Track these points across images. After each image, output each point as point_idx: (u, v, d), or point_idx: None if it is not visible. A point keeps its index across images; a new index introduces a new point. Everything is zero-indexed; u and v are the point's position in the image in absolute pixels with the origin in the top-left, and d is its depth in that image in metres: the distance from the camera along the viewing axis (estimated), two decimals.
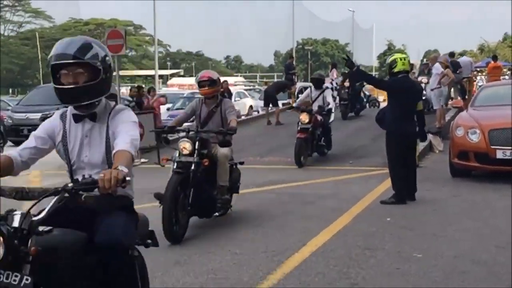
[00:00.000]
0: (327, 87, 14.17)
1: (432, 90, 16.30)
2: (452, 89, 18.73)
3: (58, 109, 16.81)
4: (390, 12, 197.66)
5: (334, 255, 5.91)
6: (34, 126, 17.72)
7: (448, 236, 6.48)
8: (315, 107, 12.54)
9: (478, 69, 25.82)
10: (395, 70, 8.39)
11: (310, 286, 5.06)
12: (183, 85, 58.18)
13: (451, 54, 22.30)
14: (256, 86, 48.15)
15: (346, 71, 22.96)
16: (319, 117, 12.26)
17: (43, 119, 17.12)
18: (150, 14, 43.54)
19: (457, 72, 18.53)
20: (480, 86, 17.01)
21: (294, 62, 25.17)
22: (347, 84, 19.86)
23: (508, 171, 9.48)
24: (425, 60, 27.70)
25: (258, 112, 27.38)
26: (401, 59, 8.43)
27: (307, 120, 11.84)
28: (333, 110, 13.28)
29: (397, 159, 8.35)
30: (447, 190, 9.18)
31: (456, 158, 9.98)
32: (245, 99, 29.76)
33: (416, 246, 6.11)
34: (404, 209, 7.89)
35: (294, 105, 14.51)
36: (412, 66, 18.99)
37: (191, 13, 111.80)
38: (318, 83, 13.32)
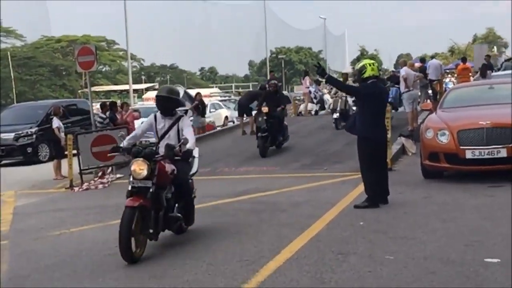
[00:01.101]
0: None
1: (402, 93, 16.54)
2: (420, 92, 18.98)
3: (31, 127, 17.15)
4: (361, 18, 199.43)
5: (308, 261, 5.98)
6: (7, 146, 17.67)
7: (417, 238, 6.59)
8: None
9: (448, 71, 26.20)
10: (365, 75, 8.53)
11: None
12: None
13: (422, 60, 22.67)
14: (232, 97, 48.23)
15: (319, 78, 23.20)
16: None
17: (16, 138, 17.17)
18: (122, 29, 43.54)
19: (425, 76, 18.87)
20: (448, 88, 17.29)
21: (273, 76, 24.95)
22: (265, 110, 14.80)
23: (477, 170, 9.67)
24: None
25: (234, 122, 27.47)
26: (370, 65, 8.58)
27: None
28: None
29: (368, 164, 8.47)
30: (418, 192, 9.32)
31: (427, 160, 10.13)
32: (220, 110, 29.85)
33: (387, 249, 6.21)
34: (377, 213, 8.00)
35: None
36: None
37: (164, 27, 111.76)
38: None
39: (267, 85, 15.89)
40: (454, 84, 23.73)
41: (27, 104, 27.89)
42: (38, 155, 19.80)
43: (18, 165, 19.28)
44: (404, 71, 16.22)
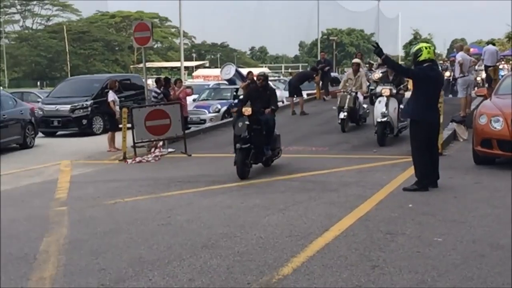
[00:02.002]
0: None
1: (457, 78, 16.31)
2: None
3: (86, 100, 17.65)
4: (416, 1, 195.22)
5: (356, 239, 6.09)
6: (63, 118, 18.36)
7: (467, 222, 6.62)
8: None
9: (504, 58, 25.57)
10: (420, 59, 8.50)
11: (332, 268, 5.26)
12: (209, 76, 58.51)
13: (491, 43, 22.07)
14: (281, 77, 48.23)
15: (371, 61, 23.02)
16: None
17: (72, 110, 17.75)
18: (176, 6, 43.91)
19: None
20: (502, 75, 16.93)
21: (324, 57, 25.08)
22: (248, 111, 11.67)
23: None
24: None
25: (283, 102, 27.50)
26: (426, 48, 8.54)
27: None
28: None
29: (420, 146, 8.48)
30: (469, 177, 9.28)
31: (479, 146, 10.05)
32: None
33: (436, 231, 6.27)
34: (426, 196, 8.03)
35: None
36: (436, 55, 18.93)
37: (216, 5, 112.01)
38: None
39: (255, 78, 12.07)
40: (508, 71, 23.20)
41: (83, 77, 28.58)
42: (92, 127, 20.43)
43: (73, 136, 19.90)
44: (460, 56, 15.99)
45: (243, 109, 10.39)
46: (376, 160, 11.20)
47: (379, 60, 18.41)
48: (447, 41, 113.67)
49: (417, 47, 8.67)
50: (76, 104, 20.42)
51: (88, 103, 20.51)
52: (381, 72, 16.75)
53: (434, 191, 8.34)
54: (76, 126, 20.39)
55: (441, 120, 11.67)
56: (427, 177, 8.42)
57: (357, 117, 15.71)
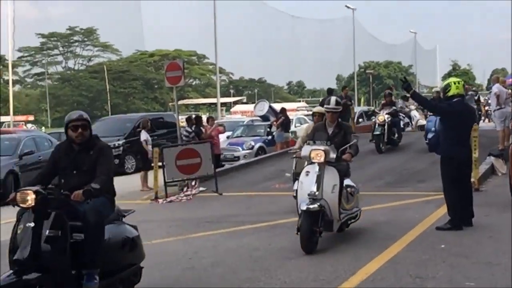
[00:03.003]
0: None
1: (494, 111, 15.96)
2: None
3: (119, 139, 17.69)
4: (453, 32, 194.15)
5: (384, 284, 5.87)
6: None
7: (502, 264, 6.32)
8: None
9: None
10: (449, 94, 8.33)
11: None
12: (246, 112, 58.76)
13: None
14: None
15: (406, 94, 22.73)
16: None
17: None
18: (212, 43, 44.46)
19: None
20: None
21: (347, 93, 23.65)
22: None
23: None
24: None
25: None
26: (455, 83, 8.37)
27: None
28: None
29: (452, 184, 8.23)
30: (506, 215, 8.92)
31: None
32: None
33: (469, 275, 6.00)
34: (459, 236, 7.74)
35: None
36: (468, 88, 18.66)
37: (253, 41, 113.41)
38: None
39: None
40: None
41: (116, 117, 28.96)
42: (124, 167, 20.51)
43: (117, 175, 19.99)
44: (496, 87, 15.66)
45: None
46: (409, 197, 10.91)
47: (384, 99, 18.77)
48: (486, 71, 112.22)
49: (446, 82, 8.56)
50: (108, 144, 20.56)
51: (120, 142, 20.67)
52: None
53: (469, 230, 8.05)
54: None
55: (477, 155, 11.44)
56: (460, 216, 8.13)
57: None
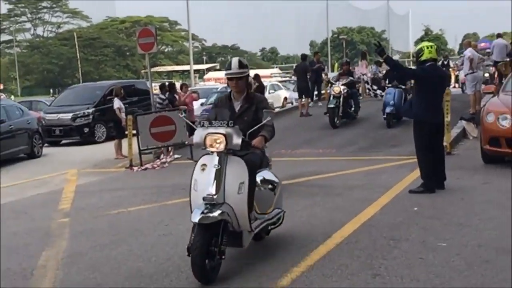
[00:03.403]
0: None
1: (465, 75, 16.11)
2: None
3: (88, 108, 17.48)
4: None
5: (359, 246, 5.96)
6: (65, 126, 18.28)
7: (473, 225, 6.46)
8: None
9: None
10: (422, 58, 8.36)
11: (332, 278, 5.13)
12: (220, 78, 58.44)
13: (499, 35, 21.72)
14: (292, 77, 48.06)
15: (380, 59, 22.77)
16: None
17: (73, 119, 17.68)
18: (185, 9, 43.90)
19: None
20: None
21: (319, 59, 23.45)
22: None
23: None
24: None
25: (292, 103, 27.42)
26: (427, 47, 8.39)
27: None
28: None
29: (424, 148, 8.33)
30: (477, 177, 9.10)
31: (488, 144, 9.87)
32: (279, 91, 29.79)
33: (441, 236, 6.12)
34: (432, 198, 7.87)
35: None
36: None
37: (226, 7, 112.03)
38: None
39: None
40: None
41: (85, 85, 28.53)
42: (94, 136, 20.29)
43: (80, 145, 19.85)
44: (469, 51, 15.78)
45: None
46: (382, 162, 11.04)
47: (338, 70, 18.55)
48: (458, 36, 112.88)
49: (419, 46, 8.56)
50: (77, 112, 20.35)
51: (90, 111, 20.37)
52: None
53: (441, 192, 8.18)
54: (77, 134, 20.22)
55: (449, 119, 11.59)
56: (433, 179, 8.26)
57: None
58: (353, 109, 16.80)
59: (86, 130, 20.24)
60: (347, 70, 17.59)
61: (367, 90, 23.67)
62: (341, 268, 5.35)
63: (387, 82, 16.60)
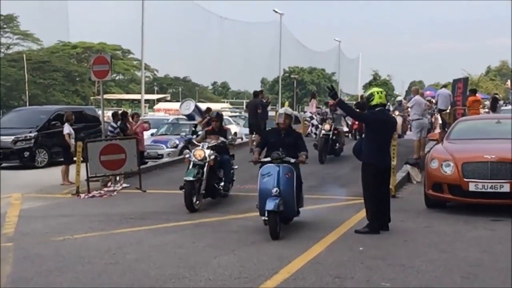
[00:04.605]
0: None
1: (412, 121, 16.65)
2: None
3: (30, 132, 17.28)
4: (376, 42, 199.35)
5: (305, 283, 6.08)
6: (5, 149, 17.83)
7: (415, 266, 6.67)
8: None
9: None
10: (372, 103, 8.68)
11: None
12: (170, 110, 58.32)
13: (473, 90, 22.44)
14: (242, 113, 48.43)
15: (328, 100, 23.27)
16: None
17: (14, 142, 17.40)
18: (139, 39, 43.94)
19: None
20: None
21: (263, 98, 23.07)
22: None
23: (480, 203, 9.74)
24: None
25: (242, 139, 27.59)
26: (378, 93, 8.72)
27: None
28: None
29: (372, 190, 8.57)
30: (420, 221, 9.40)
31: (431, 189, 10.21)
32: (229, 126, 29.91)
33: (385, 276, 6.30)
34: (377, 239, 8.09)
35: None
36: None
37: (179, 39, 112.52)
38: None
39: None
40: None
41: (30, 108, 28.02)
42: (34, 160, 19.83)
43: (20, 169, 19.36)
44: (414, 99, 16.33)
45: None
46: (330, 201, 11.25)
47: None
48: (405, 82, 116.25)
49: (369, 91, 8.89)
50: (18, 136, 19.92)
51: (32, 135, 19.95)
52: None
53: (385, 234, 8.42)
54: (17, 158, 19.70)
55: (395, 163, 11.94)
56: (378, 220, 8.50)
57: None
58: (338, 146, 17.61)
59: (27, 154, 19.71)
60: (216, 127, 11.96)
61: (311, 131, 23.94)
62: None
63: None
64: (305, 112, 28.85)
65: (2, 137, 19.71)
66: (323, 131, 16.90)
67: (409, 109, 18.45)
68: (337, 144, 17.40)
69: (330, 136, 16.87)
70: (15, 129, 20.25)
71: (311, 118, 24.01)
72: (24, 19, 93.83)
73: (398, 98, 22.48)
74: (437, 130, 21.99)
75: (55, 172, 15.49)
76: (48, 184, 14.89)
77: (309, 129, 24.23)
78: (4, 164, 19.99)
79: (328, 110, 17.98)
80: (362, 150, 8.82)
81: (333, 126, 16.94)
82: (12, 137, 19.74)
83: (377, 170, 8.53)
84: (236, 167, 12.22)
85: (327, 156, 16.91)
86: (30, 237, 8.60)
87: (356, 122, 18.23)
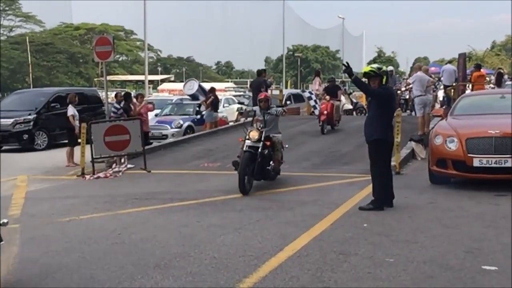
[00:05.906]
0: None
1: (415, 97, 16.59)
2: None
3: (29, 114, 17.49)
4: (380, 19, 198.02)
5: (309, 259, 6.11)
6: (4, 132, 17.99)
7: (419, 242, 6.70)
8: None
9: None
10: (363, 71, 8.90)
11: None
12: (174, 90, 58.30)
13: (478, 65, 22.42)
14: (246, 92, 48.36)
15: (331, 79, 23.18)
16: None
17: (14, 125, 17.51)
18: (141, 19, 43.73)
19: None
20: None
21: (266, 77, 22.70)
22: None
23: (484, 178, 9.74)
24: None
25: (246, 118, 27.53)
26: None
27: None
28: None
29: (384, 167, 8.62)
30: (424, 197, 9.41)
31: (435, 165, 10.21)
32: (233, 105, 29.91)
33: (389, 252, 6.33)
34: (381, 216, 8.12)
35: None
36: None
37: (183, 20, 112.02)
38: None
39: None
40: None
41: (30, 91, 28.04)
42: (34, 143, 19.84)
43: (21, 151, 19.40)
44: (416, 76, 16.24)
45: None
46: (334, 179, 11.27)
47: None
48: (409, 59, 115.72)
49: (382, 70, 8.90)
50: (18, 118, 19.97)
51: (31, 117, 19.95)
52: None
53: (389, 210, 8.44)
54: (16, 141, 19.70)
55: (398, 139, 11.96)
56: (383, 197, 8.53)
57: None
58: None
59: (25, 136, 19.70)
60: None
61: (312, 108, 23.92)
62: (292, 280, 5.49)
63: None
64: (304, 91, 28.70)
65: (2, 120, 19.74)
66: (247, 142, 10.35)
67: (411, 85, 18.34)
68: (271, 163, 10.66)
69: (260, 149, 10.28)
70: (14, 112, 20.26)
71: (309, 98, 23.99)
72: (26, 1, 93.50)
73: (389, 68, 21.85)
74: (437, 106, 21.91)
75: (57, 154, 15.55)
76: (52, 166, 14.96)
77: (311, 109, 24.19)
78: (4, 147, 20.06)
79: (255, 108, 11.71)
80: (370, 127, 8.75)
81: (263, 134, 10.46)
82: (12, 120, 19.75)
83: (390, 146, 8.63)
84: (286, 146, 11.68)
85: (253, 182, 10.38)
86: (37, 219, 8.67)
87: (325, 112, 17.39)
